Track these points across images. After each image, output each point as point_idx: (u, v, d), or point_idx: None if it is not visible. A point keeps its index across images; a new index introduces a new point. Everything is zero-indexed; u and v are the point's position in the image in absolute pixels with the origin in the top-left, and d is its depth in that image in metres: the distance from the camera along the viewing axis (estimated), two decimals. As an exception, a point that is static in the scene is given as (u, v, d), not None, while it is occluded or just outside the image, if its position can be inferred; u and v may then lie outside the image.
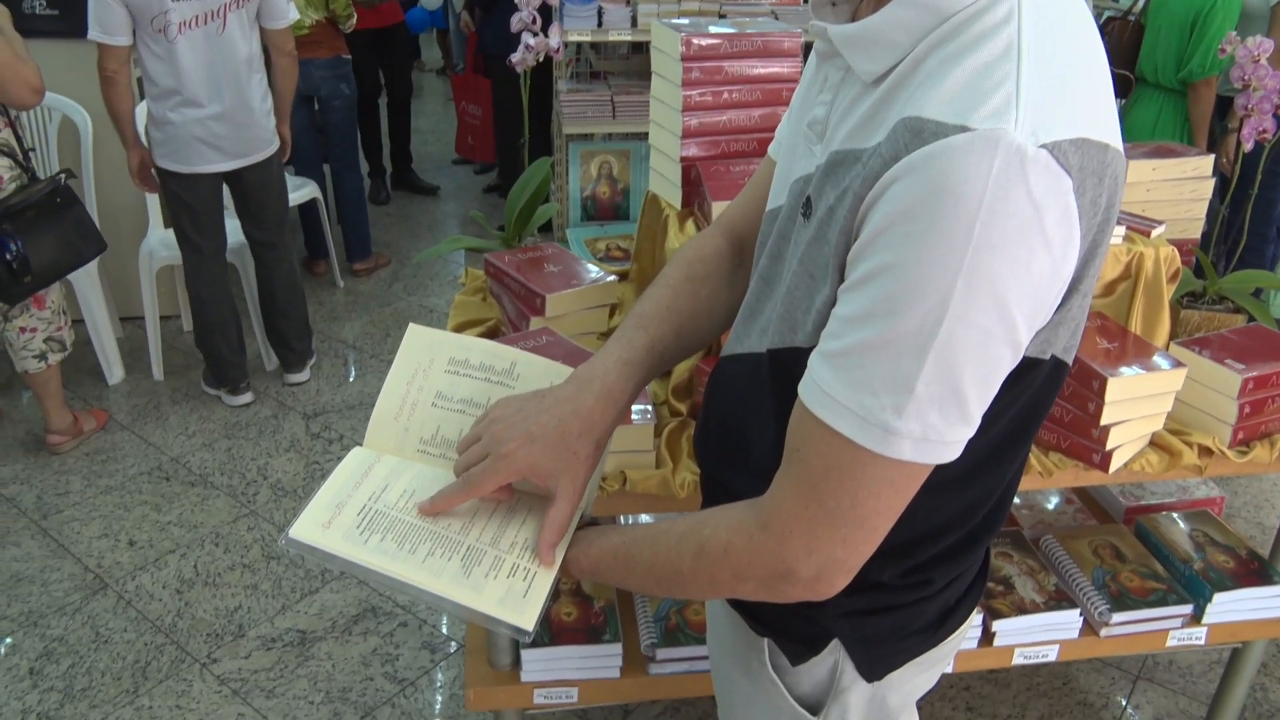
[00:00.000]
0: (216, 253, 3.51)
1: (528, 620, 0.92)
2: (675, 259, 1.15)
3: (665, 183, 1.92)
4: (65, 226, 3.08)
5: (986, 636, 1.93)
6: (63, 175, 3.11)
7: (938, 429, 0.75)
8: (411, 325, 1.13)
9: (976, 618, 1.92)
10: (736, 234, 1.16)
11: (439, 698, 2.44)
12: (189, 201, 3.38)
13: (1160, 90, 3.80)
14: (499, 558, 0.97)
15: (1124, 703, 2.45)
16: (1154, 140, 3.26)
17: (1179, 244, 1.92)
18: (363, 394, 3.86)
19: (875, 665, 1.04)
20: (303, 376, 3.88)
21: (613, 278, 1.81)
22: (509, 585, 0.94)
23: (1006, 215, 0.68)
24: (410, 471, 1.06)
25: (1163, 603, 1.96)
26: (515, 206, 2.10)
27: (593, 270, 1.83)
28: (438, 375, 1.10)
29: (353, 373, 4.02)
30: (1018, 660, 1.94)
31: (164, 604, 2.74)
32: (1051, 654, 1.95)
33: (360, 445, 1.10)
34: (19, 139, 3.04)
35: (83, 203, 3.17)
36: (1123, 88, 3.95)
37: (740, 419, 1.00)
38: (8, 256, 2.93)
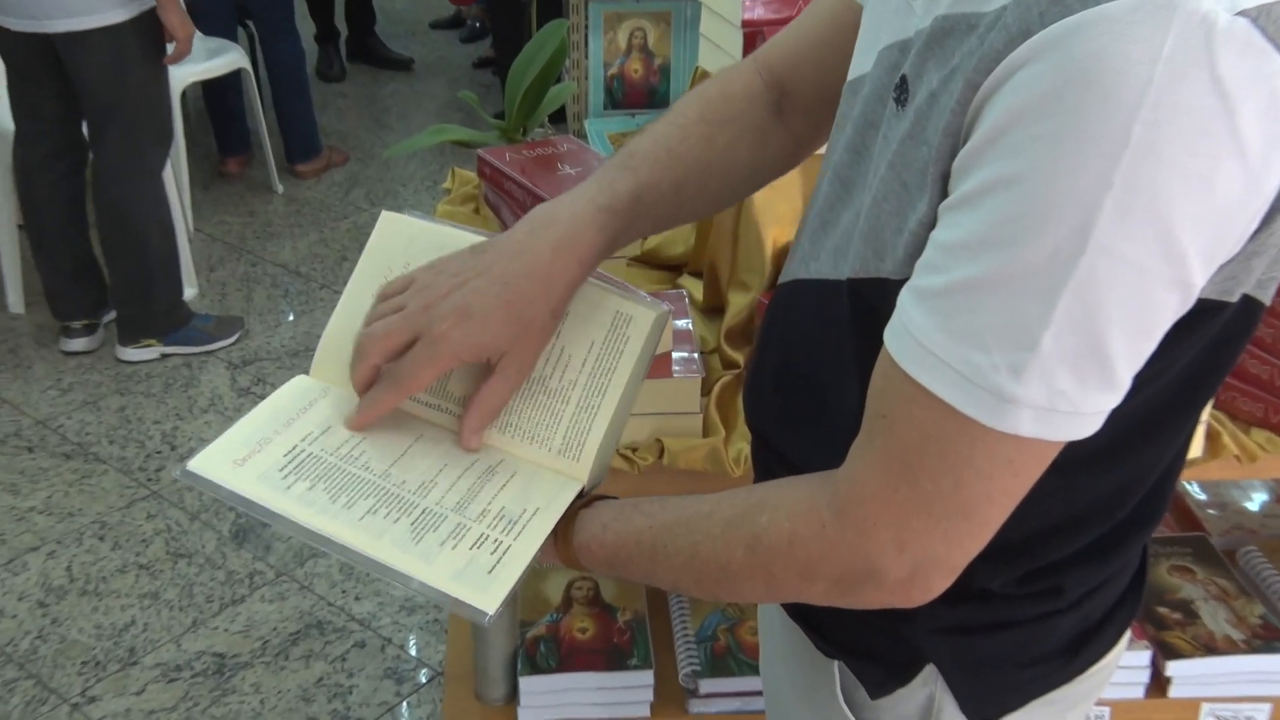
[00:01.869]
0: (41, 138, 3.61)
1: (490, 600, 0.95)
2: (692, 93, 1.18)
3: (720, 55, 1.93)
4: None
5: (1158, 683, 1.96)
6: None
7: (1069, 396, 0.77)
8: (384, 213, 1.17)
9: (1140, 655, 1.95)
10: (776, 78, 1.18)
11: (405, 747, 2.53)
12: (6, 62, 3.53)
13: None
14: (462, 525, 1.01)
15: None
16: None
17: None
18: (310, 337, 3.94)
19: (984, 702, 1.07)
20: (129, 355, 3.82)
21: (648, 182, 1.85)
22: (470, 557, 0.98)
23: (1180, 111, 0.69)
24: None
25: None
26: (518, 88, 2.12)
27: (622, 172, 1.88)
28: None
29: (295, 308, 4.11)
30: (1206, 719, 1.97)
31: (19, 622, 2.83)
32: (1260, 715, 1.96)
33: (305, 374, 1.15)
34: None
35: None
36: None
37: (810, 366, 1.03)
38: None
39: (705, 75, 1.97)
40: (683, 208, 1.14)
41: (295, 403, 1.11)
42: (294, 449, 1.06)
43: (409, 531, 1.00)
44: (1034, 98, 0.73)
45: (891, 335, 0.83)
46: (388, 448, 1.07)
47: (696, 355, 1.62)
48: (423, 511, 1.02)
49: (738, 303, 1.79)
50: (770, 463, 1.12)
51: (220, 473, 1.02)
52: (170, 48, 3.54)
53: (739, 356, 1.76)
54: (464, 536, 1.00)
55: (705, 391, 1.66)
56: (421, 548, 0.99)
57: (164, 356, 3.86)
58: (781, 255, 1.75)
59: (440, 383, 1.12)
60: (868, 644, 1.08)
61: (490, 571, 0.98)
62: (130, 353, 3.84)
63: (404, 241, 1.16)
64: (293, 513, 1.00)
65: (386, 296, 1.06)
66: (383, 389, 1.04)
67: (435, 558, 0.98)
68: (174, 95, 4.11)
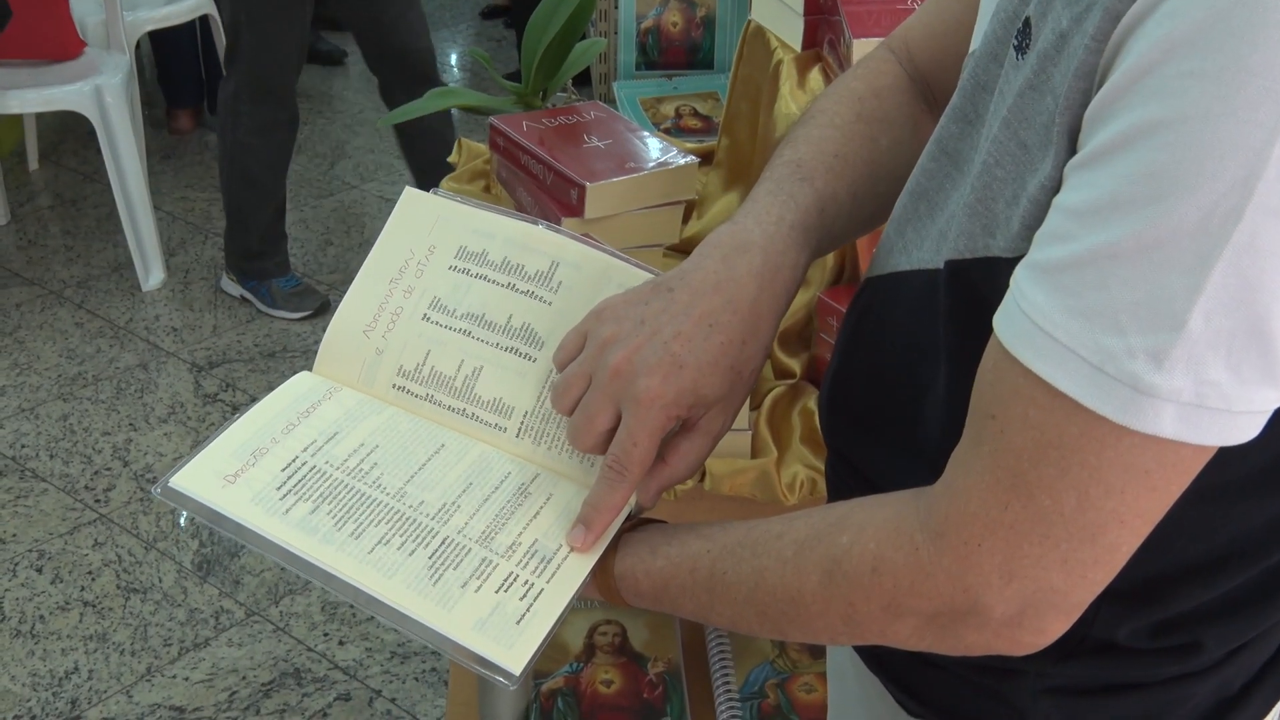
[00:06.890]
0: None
1: (516, 657, 0.95)
2: (835, 92, 1.18)
3: (778, 7, 1.94)
4: None
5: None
6: None
7: (1221, 389, 0.75)
8: (408, 190, 1.19)
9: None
10: (917, 66, 1.18)
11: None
12: None
13: None
14: (488, 561, 1.01)
15: None
16: None
17: None
18: (288, 335, 3.95)
19: (1104, 780, 1.05)
20: (223, 284, 4.17)
21: (690, 159, 1.83)
22: (497, 602, 0.98)
23: None
24: (376, 417, 1.11)
25: None
26: (537, 44, 2.09)
27: (657, 146, 1.87)
28: (438, 272, 1.15)
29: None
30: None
31: (-57, 667, 2.81)
32: None
33: (309, 370, 1.16)
34: None
35: None
36: None
37: (910, 372, 1.03)
38: None
39: (761, 32, 1.97)
40: (856, 219, 1.14)
41: (297, 404, 1.12)
42: (294, 461, 1.06)
43: (426, 568, 1.00)
44: (1190, 27, 0.71)
45: (1003, 320, 0.82)
46: (404, 460, 1.08)
47: (745, 362, 1.62)
48: (443, 542, 1.02)
49: (793, 303, 1.78)
50: (849, 482, 1.12)
51: (208, 491, 1.02)
52: None
53: (794, 364, 1.76)
54: (489, 575, 1.00)
55: (755, 404, 1.66)
56: (440, 589, 0.99)
57: (243, 300, 4.16)
58: (848, 244, 1.74)
59: (467, 383, 1.13)
60: (962, 703, 1.06)
61: (519, 621, 0.98)
62: (225, 282, 4.24)
63: (429, 224, 1.18)
64: (292, 542, 1.00)
65: (561, 364, 1.05)
66: (604, 488, 1.02)
67: (455, 602, 0.98)
68: (129, 45, 4.17)
